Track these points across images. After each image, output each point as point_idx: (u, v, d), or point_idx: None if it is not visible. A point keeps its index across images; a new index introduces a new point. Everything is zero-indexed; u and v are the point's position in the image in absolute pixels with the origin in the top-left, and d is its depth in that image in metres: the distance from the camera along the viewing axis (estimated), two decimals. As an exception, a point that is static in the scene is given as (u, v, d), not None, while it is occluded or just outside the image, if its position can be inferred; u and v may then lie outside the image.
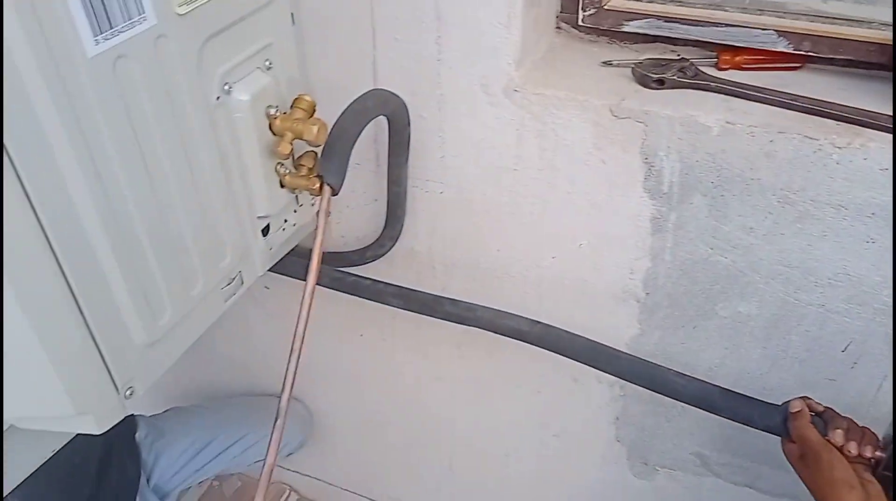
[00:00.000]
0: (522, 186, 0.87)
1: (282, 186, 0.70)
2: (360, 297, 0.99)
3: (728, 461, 1.03)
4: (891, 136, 0.71)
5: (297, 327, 0.62)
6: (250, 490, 1.62)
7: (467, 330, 0.94)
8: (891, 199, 0.72)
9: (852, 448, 0.74)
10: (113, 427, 1.18)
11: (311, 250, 1.00)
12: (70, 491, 1.00)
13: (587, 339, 0.89)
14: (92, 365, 0.53)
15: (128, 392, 0.56)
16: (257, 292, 1.20)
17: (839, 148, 0.71)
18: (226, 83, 0.59)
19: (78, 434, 0.99)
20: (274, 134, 0.65)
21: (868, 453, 0.73)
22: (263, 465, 0.58)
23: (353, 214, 1.01)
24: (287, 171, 0.69)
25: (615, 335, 0.95)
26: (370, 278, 0.98)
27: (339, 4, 0.81)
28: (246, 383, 1.39)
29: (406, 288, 0.96)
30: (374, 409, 1.31)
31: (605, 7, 0.86)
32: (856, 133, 0.71)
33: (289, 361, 0.61)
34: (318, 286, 1.01)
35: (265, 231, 0.72)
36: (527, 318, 0.92)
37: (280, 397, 0.61)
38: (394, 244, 0.97)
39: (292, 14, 0.81)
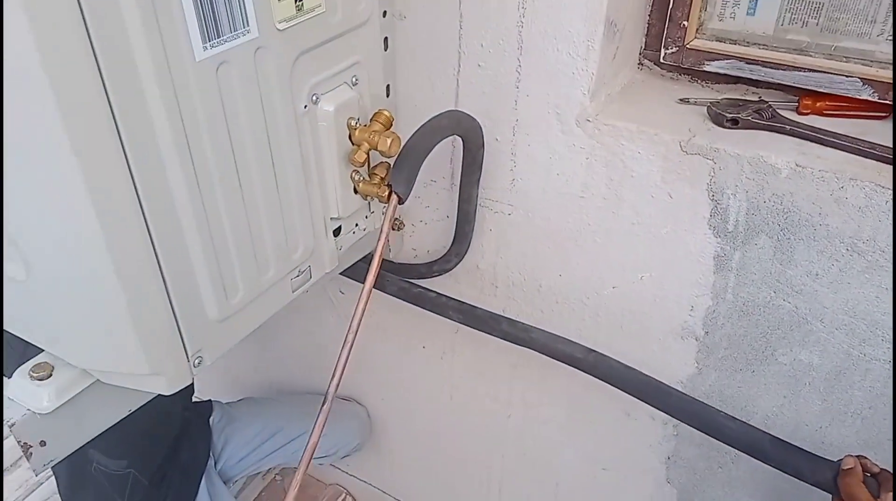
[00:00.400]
0: (588, 213, 0.89)
1: (355, 192, 0.75)
2: (423, 308, 1.03)
3: (782, 516, 0.99)
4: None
5: (352, 320, 0.66)
6: (311, 487, 1.68)
7: (523, 352, 0.97)
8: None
9: (900, 511, 0.71)
10: (192, 407, 1.28)
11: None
12: (144, 456, 1.09)
13: (640, 372, 0.90)
14: (168, 331, 0.59)
15: (196, 361, 0.63)
16: (333, 295, 1.27)
17: (913, 199, 0.69)
18: (314, 94, 0.65)
19: (160, 408, 1.09)
20: (352, 143, 0.71)
21: (921, 520, 0.70)
22: (307, 442, 0.62)
23: (425, 229, 1.05)
24: (361, 178, 0.74)
25: (671, 372, 0.95)
26: (434, 291, 1.02)
27: (431, 32, 0.87)
28: (315, 382, 1.46)
29: (467, 304, 1.00)
30: (431, 422, 1.34)
31: (688, 46, 0.87)
32: (933, 186, 0.70)
33: (341, 351, 0.65)
34: (386, 295, 1.06)
35: (336, 232, 0.78)
36: (581, 345, 0.93)
37: (329, 384, 0.65)
38: (460, 261, 1.01)
39: (386, 38, 0.88)
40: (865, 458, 0.77)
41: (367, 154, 0.70)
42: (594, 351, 0.92)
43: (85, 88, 0.47)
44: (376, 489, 1.60)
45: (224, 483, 1.28)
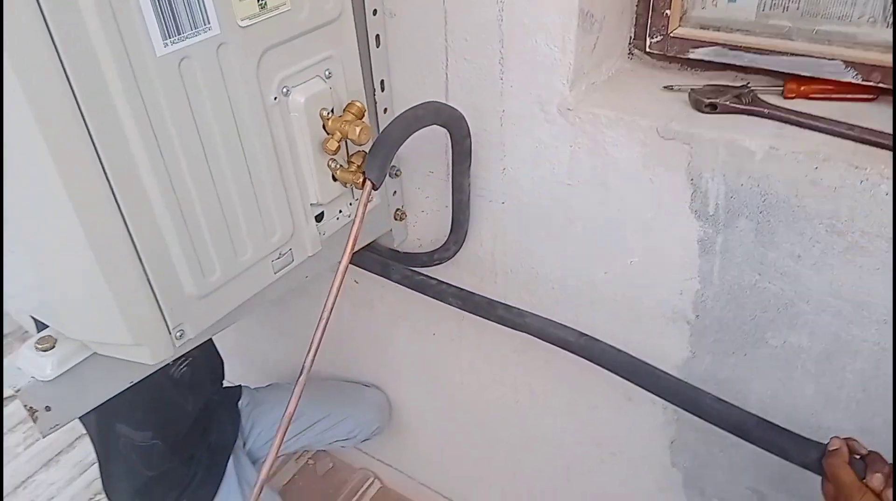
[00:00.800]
0: (576, 201, 0.91)
1: (334, 179, 0.79)
2: (425, 295, 1.07)
3: (785, 500, 0.99)
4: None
5: (326, 300, 0.70)
6: (342, 472, 1.75)
7: (523, 338, 0.99)
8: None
9: (890, 495, 0.70)
10: (222, 391, 1.35)
11: (383, 248, 1.11)
12: (167, 427, 1.16)
13: (630, 355, 0.91)
14: (147, 306, 0.65)
15: (178, 333, 0.68)
16: (348, 284, 1.32)
17: (887, 178, 0.69)
18: (284, 86, 0.70)
19: (183, 380, 1.16)
20: (326, 132, 0.75)
21: (907, 501, 0.70)
22: (283, 413, 0.67)
23: (427, 218, 1.09)
24: (339, 166, 0.78)
25: (667, 356, 0.96)
26: (435, 279, 1.06)
27: (419, 29, 0.91)
28: (336, 367, 1.52)
29: (465, 290, 1.03)
30: (446, 407, 1.38)
31: (672, 34, 0.88)
32: (910, 165, 0.69)
33: (316, 328, 0.69)
34: (396, 285, 1.11)
35: (319, 218, 0.82)
36: (574, 329, 0.95)
37: (304, 359, 0.70)
38: (459, 249, 1.04)
39: (378, 35, 0.92)
40: (854, 440, 0.76)
41: (340, 143, 0.74)
42: (585, 335, 0.94)
43: (50, 82, 0.52)
44: (402, 473, 1.65)
45: (252, 463, 1.36)
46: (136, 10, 0.55)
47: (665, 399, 0.89)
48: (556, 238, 0.96)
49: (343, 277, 0.71)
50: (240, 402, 1.39)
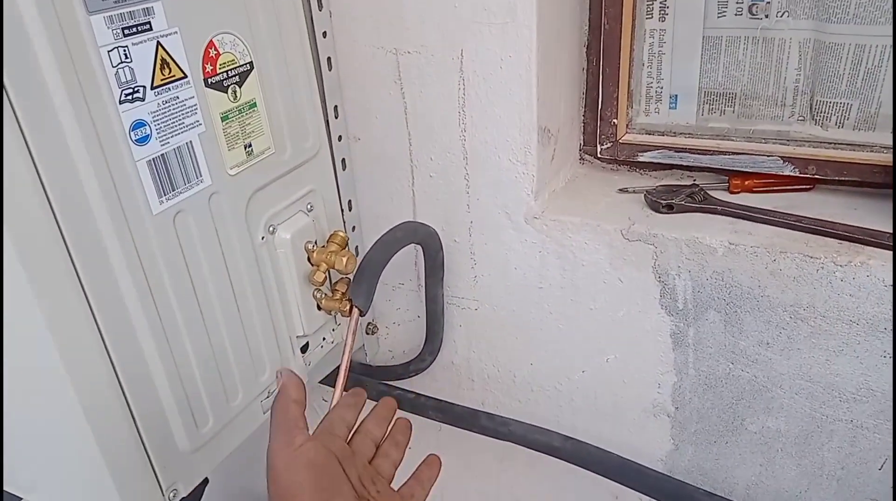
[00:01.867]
0: (548, 303, 0.93)
1: (319, 308, 0.79)
2: (403, 410, 1.05)
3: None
4: (890, 253, 0.73)
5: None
6: None
7: (507, 444, 0.99)
8: (903, 314, 0.73)
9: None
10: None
11: (355, 363, 1.10)
12: None
13: (617, 456, 0.92)
14: (140, 468, 0.61)
15: (171, 494, 0.65)
16: (316, 403, 1.28)
17: (841, 266, 0.74)
18: (270, 225, 0.71)
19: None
20: (311, 264, 0.75)
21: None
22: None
23: (399, 330, 1.09)
24: (323, 295, 0.79)
25: (650, 451, 0.97)
26: (413, 392, 1.05)
27: (384, 150, 0.94)
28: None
29: (445, 402, 1.02)
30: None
31: (621, 141, 0.95)
32: (857, 251, 0.75)
33: None
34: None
35: (304, 349, 0.81)
36: (559, 433, 0.95)
37: None
38: (434, 359, 1.04)
39: (343, 159, 0.95)
40: None
41: (326, 273, 0.75)
42: (571, 438, 0.94)
43: (46, 242, 0.51)
44: None
45: None
46: (134, 172, 0.55)
47: (656, 498, 0.89)
48: (531, 340, 0.98)
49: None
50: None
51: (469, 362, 1.05)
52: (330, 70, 0.89)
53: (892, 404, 0.78)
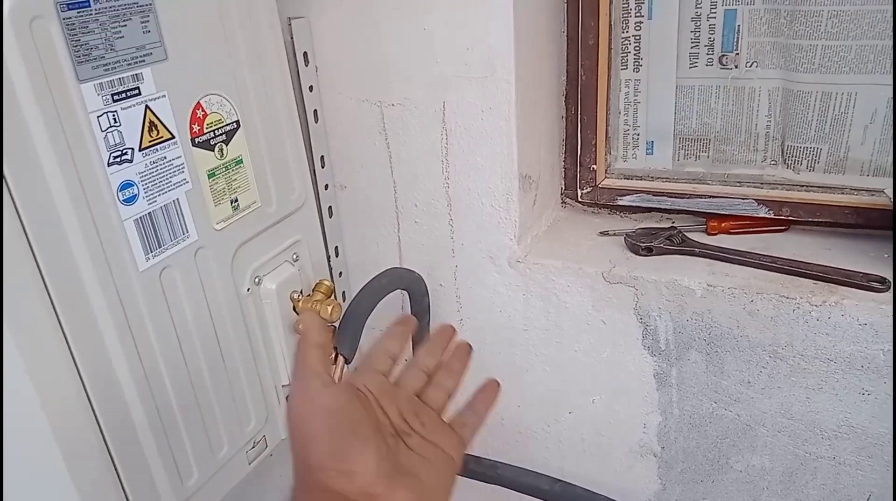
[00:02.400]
0: (533, 345, 0.95)
1: (305, 357, 0.80)
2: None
3: None
4: (863, 292, 0.75)
5: None
6: None
7: (496, 487, 0.99)
8: (878, 352, 0.75)
9: None
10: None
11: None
12: None
13: (606, 498, 0.92)
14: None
15: (155, 559, 0.65)
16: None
17: (816, 306, 0.76)
18: (256, 277, 0.72)
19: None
20: (297, 313, 0.77)
21: None
22: None
23: (387, 374, 1.10)
24: (309, 344, 0.80)
25: (639, 491, 0.97)
26: (401, 435, 1.05)
27: (369, 198, 0.96)
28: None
29: (433, 444, 1.02)
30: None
31: (600, 186, 0.97)
32: (831, 291, 0.76)
33: None
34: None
35: (289, 398, 0.82)
36: (547, 476, 0.95)
37: None
38: (422, 402, 1.04)
39: (330, 207, 0.97)
40: None
41: (312, 323, 0.76)
42: (560, 481, 0.94)
43: (32, 302, 0.52)
44: None
45: None
46: (121, 231, 0.57)
47: (644, 537, 0.90)
48: (517, 383, 0.99)
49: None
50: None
51: (457, 405, 1.05)
52: (316, 122, 0.91)
53: (871, 441, 0.79)
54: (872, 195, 0.84)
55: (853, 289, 0.76)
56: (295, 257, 0.77)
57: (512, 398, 1.00)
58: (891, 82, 0.79)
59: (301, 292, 0.77)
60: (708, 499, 0.93)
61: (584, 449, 0.99)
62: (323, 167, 0.95)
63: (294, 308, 0.76)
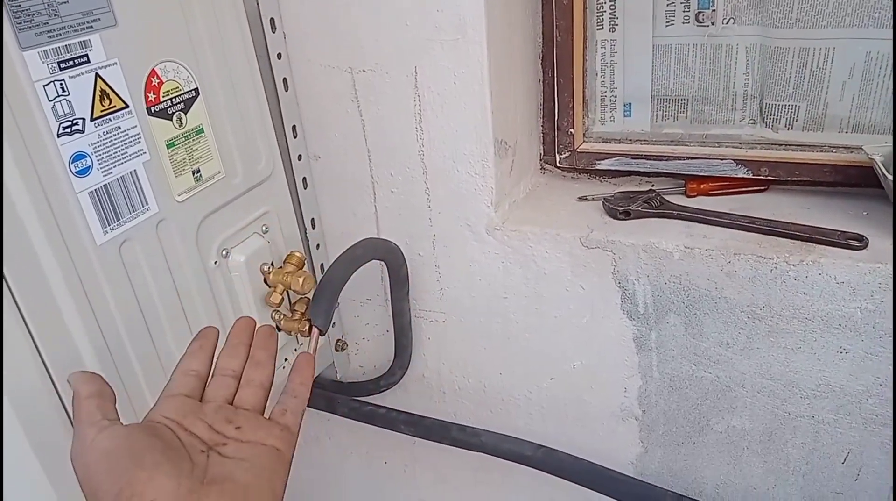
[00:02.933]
0: (513, 312, 0.94)
1: (279, 330, 0.80)
2: (375, 426, 1.05)
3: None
4: (841, 250, 0.75)
5: None
6: None
7: (481, 455, 0.99)
8: (855, 310, 0.74)
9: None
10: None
11: (326, 381, 1.10)
12: None
13: (588, 462, 0.92)
14: None
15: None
16: (293, 421, 1.28)
17: (793, 265, 0.75)
18: (223, 250, 0.71)
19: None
20: (268, 286, 0.76)
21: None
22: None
23: (369, 345, 1.09)
24: (282, 316, 0.79)
25: (621, 455, 0.97)
26: (385, 407, 1.05)
27: (344, 167, 0.94)
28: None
29: (416, 415, 1.02)
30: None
31: (578, 150, 0.96)
32: (808, 250, 0.76)
33: None
34: (340, 418, 1.09)
35: (265, 371, 0.81)
36: (530, 442, 0.96)
37: None
38: (404, 373, 1.04)
39: (304, 178, 0.96)
40: None
41: (283, 295, 0.75)
42: (542, 447, 0.94)
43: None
44: None
45: None
46: (75, 204, 0.55)
47: (626, 501, 0.90)
48: (499, 350, 0.98)
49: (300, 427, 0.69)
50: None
51: (440, 374, 1.05)
52: (286, 91, 0.89)
53: (850, 399, 0.79)
54: (851, 152, 0.83)
55: (831, 247, 0.76)
56: (264, 228, 0.76)
57: (494, 366, 1.00)
58: (870, 36, 0.77)
59: (272, 264, 0.75)
60: (689, 461, 0.93)
61: (567, 415, 0.99)
62: (295, 137, 0.93)
63: (265, 281, 0.75)
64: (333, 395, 1.08)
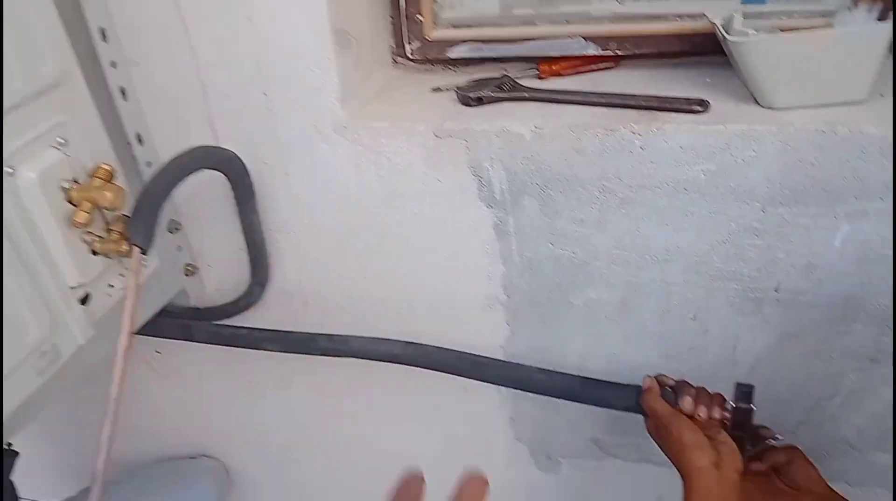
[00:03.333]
0: (371, 213, 0.91)
1: (94, 253, 0.72)
2: (240, 347, 1.00)
3: (621, 441, 1.08)
4: (684, 115, 0.77)
5: (112, 388, 0.62)
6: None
7: (354, 361, 0.97)
8: (699, 172, 0.78)
9: (702, 412, 0.79)
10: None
11: (180, 308, 1.02)
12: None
13: (455, 351, 0.94)
14: None
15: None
16: (149, 356, 1.20)
17: (639, 135, 0.77)
18: (8, 166, 0.61)
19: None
20: (72, 204, 0.66)
21: (716, 414, 0.79)
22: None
23: (223, 266, 1.02)
24: (95, 238, 0.70)
25: (491, 341, 1.00)
26: (246, 328, 1.00)
27: (168, 73, 0.84)
28: (157, 448, 1.38)
29: (281, 331, 0.99)
30: (288, 457, 1.31)
31: (428, 38, 0.92)
32: (653, 118, 0.78)
33: (104, 425, 0.61)
34: (206, 345, 1.02)
35: (84, 300, 0.73)
36: (399, 341, 0.95)
37: (96, 460, 0.62)
38: (263, 289, 0.99)
39: (123, 88, 0.84)
40: (662, 375, 0.85)
41: (90, 213, 0.66)
42: (412, 343, 0.94)
43: None
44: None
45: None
46: None
47: (496, 383, 0.93)
48: (360, 254, 0.95)
49: (124, 359, 0.63)
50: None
51: (301, 286, 1.01)
52: (85, -16, 0.77)
53: (697, 259, 0.85)
54: (695, 20, 0.85)
55: (674, 114, 0.78)
56: (61, 141, 0.65)
57: (357, 271, 0.97)
58: None
59: (76, 180, 0.66)
60: (554, 337, 0.97)
61: (436, 310, 0.99)
62: (106, 41, 0.81)
63: (69, 200, 0.66)
64: (189, 323, 1.01)
